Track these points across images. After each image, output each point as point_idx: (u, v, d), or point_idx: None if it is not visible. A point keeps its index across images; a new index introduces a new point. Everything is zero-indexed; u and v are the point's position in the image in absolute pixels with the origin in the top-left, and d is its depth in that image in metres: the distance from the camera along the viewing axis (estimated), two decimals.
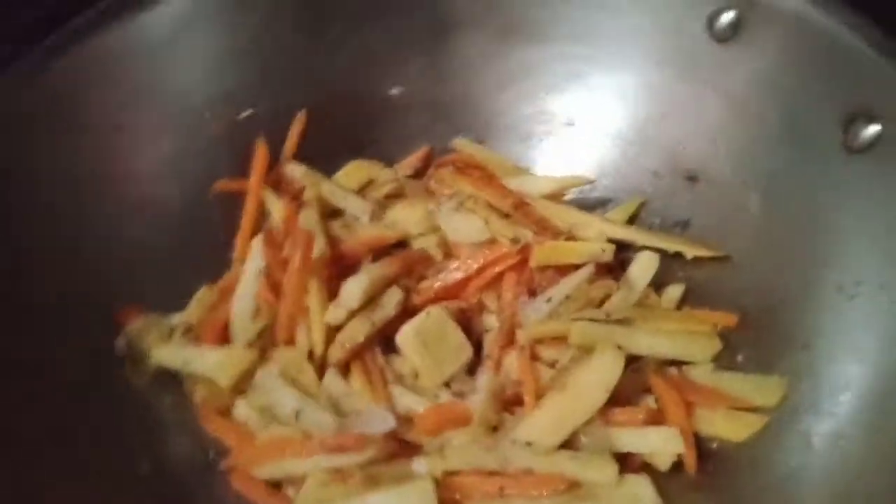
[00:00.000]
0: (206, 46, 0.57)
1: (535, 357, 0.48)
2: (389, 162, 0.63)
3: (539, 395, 0.45)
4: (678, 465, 0.45)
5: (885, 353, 0.41)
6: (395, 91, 0.63)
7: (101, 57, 0.51)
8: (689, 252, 0.53)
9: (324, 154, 0.61)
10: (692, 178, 0.56)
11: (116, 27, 0.52)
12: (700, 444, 0.45)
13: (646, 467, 0.45)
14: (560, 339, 0.48)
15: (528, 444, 0.43)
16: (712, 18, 0.53)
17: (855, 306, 0.44)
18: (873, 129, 0.44)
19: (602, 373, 0.45)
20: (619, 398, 0.45)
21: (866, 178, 0.45)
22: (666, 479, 0.44)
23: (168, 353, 0.49)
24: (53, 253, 0.48)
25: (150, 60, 0.54)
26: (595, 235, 0.53)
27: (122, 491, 0.44)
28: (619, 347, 0.46)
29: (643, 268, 0.53)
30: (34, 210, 0.48)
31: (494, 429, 0.46)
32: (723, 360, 0.49)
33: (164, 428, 0.48)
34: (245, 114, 0.60)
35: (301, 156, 0.61)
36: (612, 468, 0.43)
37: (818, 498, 0.39)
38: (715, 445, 0.46)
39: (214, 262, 0.56)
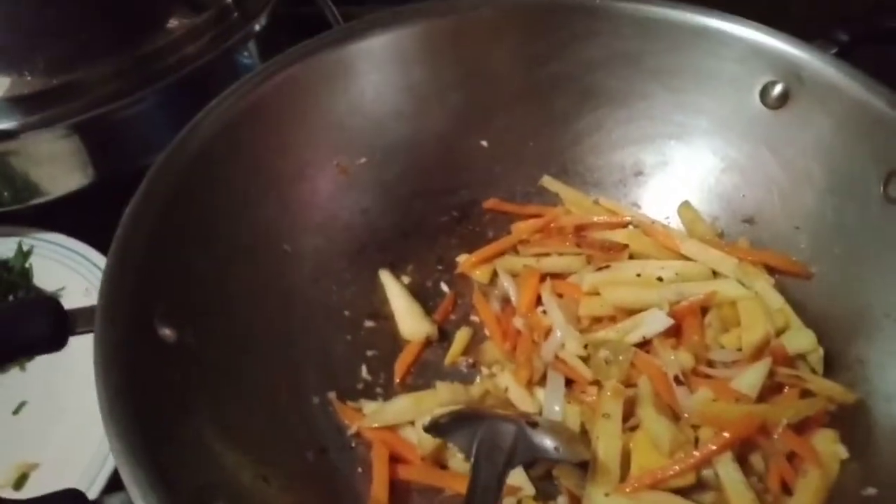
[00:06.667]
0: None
1: None
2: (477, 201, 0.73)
3: None
4: None
5: None
6: (483, 143, 0.74)
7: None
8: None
9: (422, 195, 0.72)
10: (748, 221, 0.67)
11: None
12: None
13: None
14: None
15: None
16: (765, 90, 0.64)
17: None
18: None
19: None
20: None
21: None
22: None
23: None
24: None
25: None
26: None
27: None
28: None
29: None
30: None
31: None
32: None
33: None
34: (361, 161, 0.70)
35: (404, 197, 0.71)
36: None
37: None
38: None
39: None
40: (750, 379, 0.52)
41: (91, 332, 0.46)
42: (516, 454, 0.45)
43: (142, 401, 0.43)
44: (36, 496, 0.39)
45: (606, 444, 0.50)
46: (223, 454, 0.47)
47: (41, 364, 0.65)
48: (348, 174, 0.69)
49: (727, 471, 0.48)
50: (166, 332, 0.49)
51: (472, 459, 0.45)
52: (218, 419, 0.48)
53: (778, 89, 0.64)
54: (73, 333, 0.48)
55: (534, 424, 0.47)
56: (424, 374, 0.64)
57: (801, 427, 0.52)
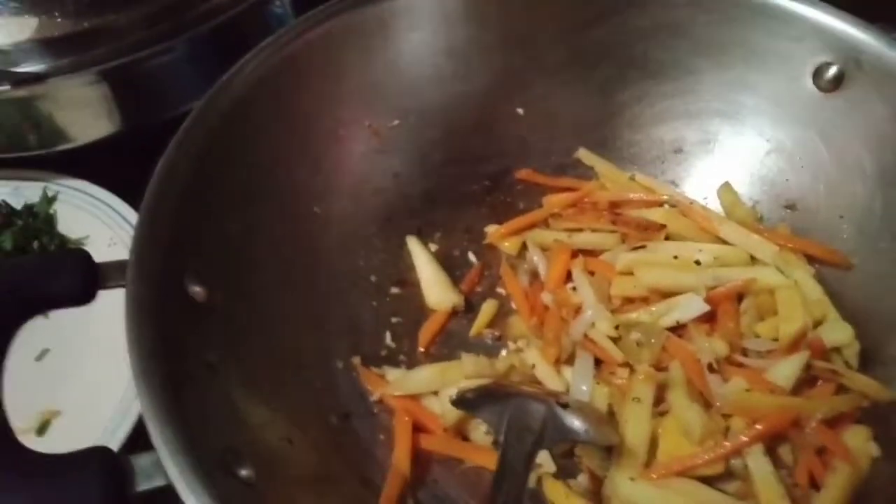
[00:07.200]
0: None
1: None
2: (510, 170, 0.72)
3: None
4: None
5: None
6: (520, 111, 0.71)
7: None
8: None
9: (454, 162, 0.70)
10: (790, 207, 0.65)
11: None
12: None
13: None
14: None
15: None
16: (819, 71, 0.62)
17: None
18: None
19: None
20: None
21: None
22: None
23: None
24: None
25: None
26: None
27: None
28: None
29: None
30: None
31: None
32: None
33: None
34: (394, 123, 0.68)
35: (436, 162, 0.70)
36: None
37: None
38: None
39: None
40: (786, 371, 0.51)
41: (120, 286, 0.46)
42: (545, 435, 0.45)
43: (171, 359, 0.42)
44: (63, 452, 0.39)
45: (635, 428, 0.49)
46: (250, 415, 0.46)
47: (64, 311, 0.65)
48: (381, 136, 0.67)
49: (758, 462, 0.47)
50: (196, 290, 0.49)
51: (502, 438, 0.45)
52: (245, 379, 0.48)
53: (833, 71, 0.61)
54: (103, 288, 0.47)
55: (564, 405, 0.47)
56: (448, 343, 0.63)
57: (833, 422, 0.51)
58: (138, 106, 0.72)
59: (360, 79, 0.65)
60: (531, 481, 0.53)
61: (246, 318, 0.52)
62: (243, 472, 0.41)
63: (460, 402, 0.50)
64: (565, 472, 0.54)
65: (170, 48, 0.69)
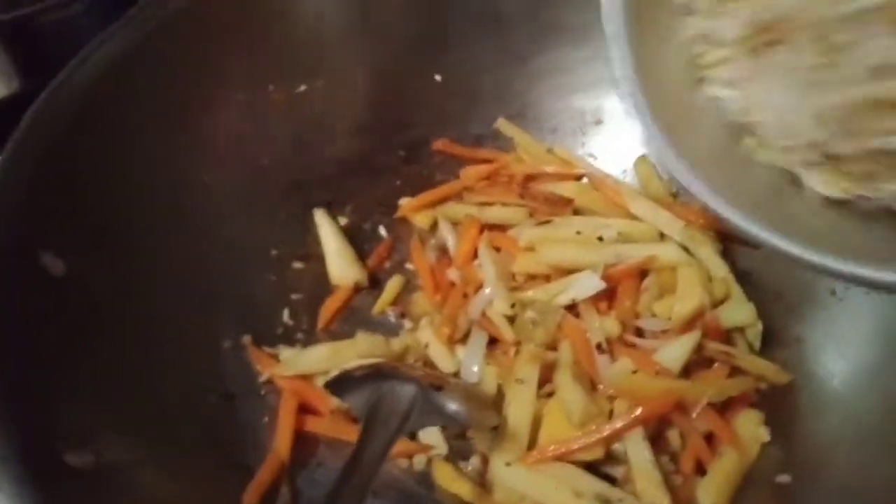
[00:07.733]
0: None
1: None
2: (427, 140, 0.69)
3: None
4: None
5: (867, 347, 0.49)
6: (438, 77, 0.68)
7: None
8: None
9: (368, 131, 0.67)
10: None
11: None
12: None
13: None
14: None
15: None
16: None
17: (844, 307, 0.51)
18: None
19: None
20: None
21: None
22: None
23: None
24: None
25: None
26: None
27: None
28: None
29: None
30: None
31: None
32: None
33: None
34: (300, 89, 0.64)
35: (348, 131, 0.67)
36: None
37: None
38: None
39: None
40: (674, 352, 0.49)
41: None
42: (410, 419, 0.43)
43: (11, 337, 0.40)
44: None
45: (517, 410, 0.48)
46: (103, 400, 0.44)
47: None
48: (286, 102, 0.64)
49: (636, 448, 0.45)
50: (54, 264, 0.46)
51: (363, 421, 0.43)
52: (102, 360, 0.45)
53: None
54: None
55: (438, 387, 0.45)
56: (350, 321, 0.61)
57: (727, 406, 0.49)
58: (35, 66, 0.68)
59: (260, 40, 0.61)
60: (422, 463, 0.52)
61: (115, 294, 0.49)
62: (81, 459, 0.39)
63: (332, 383, 0.47)
64: (460, 454, 0.52)
65: (70, 1, 0.65)
